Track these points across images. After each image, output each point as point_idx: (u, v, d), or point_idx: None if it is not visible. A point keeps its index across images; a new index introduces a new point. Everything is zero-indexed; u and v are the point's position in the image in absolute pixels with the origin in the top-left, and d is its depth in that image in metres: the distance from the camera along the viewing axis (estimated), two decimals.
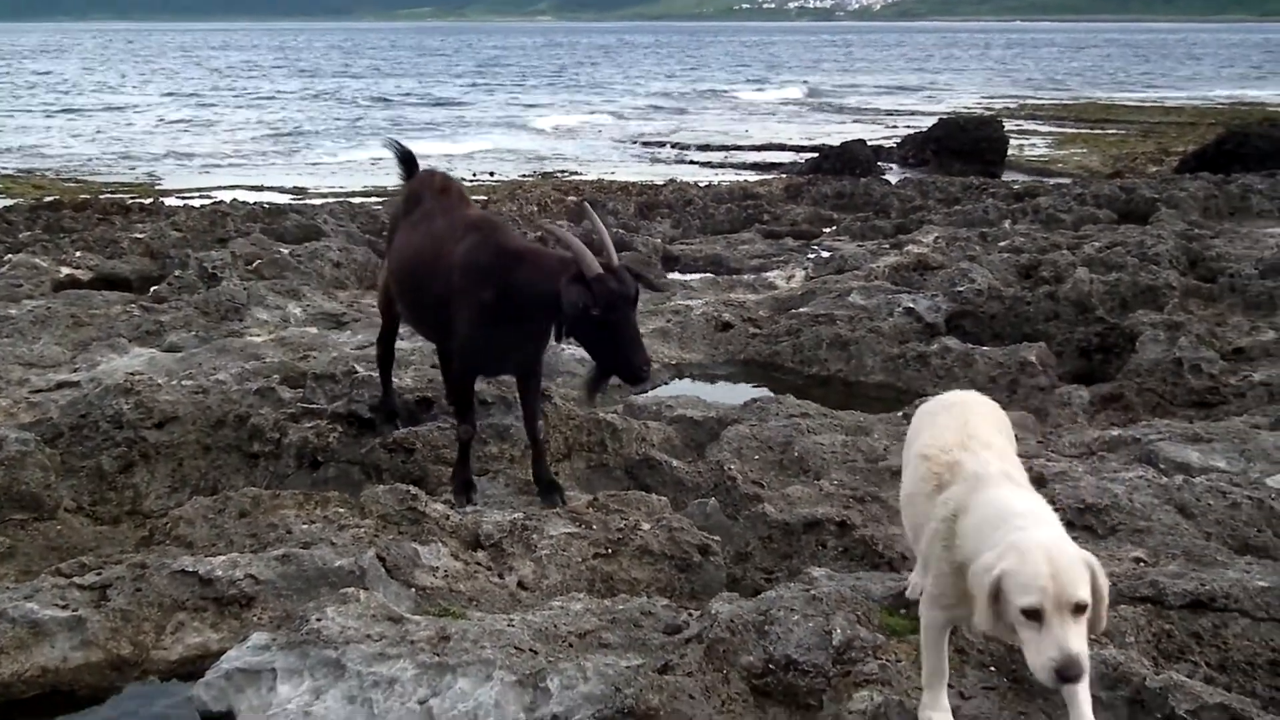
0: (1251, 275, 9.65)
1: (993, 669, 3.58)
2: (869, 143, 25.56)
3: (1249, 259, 10.37)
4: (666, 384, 8.39)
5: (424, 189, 6.20)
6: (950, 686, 3.45)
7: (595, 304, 4.88)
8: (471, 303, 5.36)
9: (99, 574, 4.37)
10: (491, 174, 24.32)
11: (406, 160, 6.70)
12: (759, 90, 55.53)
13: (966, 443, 3.25)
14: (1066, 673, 2.65)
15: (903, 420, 6.73)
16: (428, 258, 5.68)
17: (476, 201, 6.89)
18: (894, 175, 22.68)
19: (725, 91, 55.52)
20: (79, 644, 4.10)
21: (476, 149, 29.53)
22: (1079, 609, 2.67)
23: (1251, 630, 3.76)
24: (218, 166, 25.92)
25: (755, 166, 25.74)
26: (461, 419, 5.66)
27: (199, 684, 3.68)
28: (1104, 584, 2.75)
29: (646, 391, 7.46)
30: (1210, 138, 22.93)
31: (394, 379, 6.72)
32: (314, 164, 26.73)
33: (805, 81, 62.31)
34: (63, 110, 41.32)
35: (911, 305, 9.24)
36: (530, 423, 5.68)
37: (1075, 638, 2.66)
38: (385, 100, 48.95)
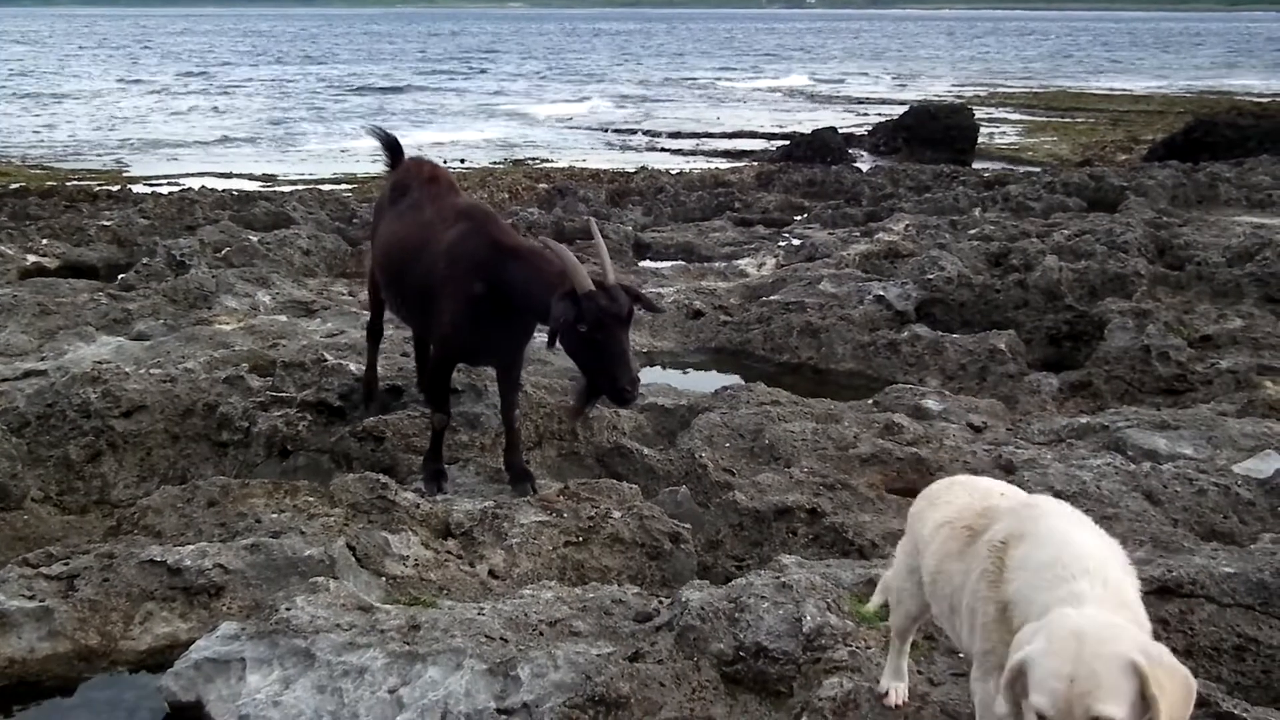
0: (1219, 263, 9.74)
1: (960, 655, 3.60)
2: (840, 130, 25.61)
3: (1216, 247, 10.46)
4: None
5: (411, 178, 6.13)
6: (919, 673, 3.47)
7: (583, 320, 4.83)
8: (456, 292, 5.31)
9: (66, 564, 4.34)
10: (462, 161, 24.19)
11: (392, 147, 6.62)
12: (750, 79, 55.31)
13: (988, 496, 2.78)
14: None
15: (873, 407, 6.77)
16: (414, 245, 5.63)
17: None
18: (865, 163, 22.73)
19: (701, 80, 55.41)
20: (46, 634, 4.06)
21: (447, 136, 29.36)
22: None
23: (1218, 616, 3.80)
24: (186, 153, 25.67)
25: (727, 154, 25.72)
26: (436, 407, 5.64)
27: (168, 674, 3.68)
28: (1160, 694, 2.04)
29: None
30: (1179, 126, 23.12)
31: None
32: (283, 151, 26.52)
33: (777, 68, 62.29)
34: (27, 96, 40.80)
35: (882, 293, 9.27)
36: (507, 412, 5.67)
37: None
38: (355, 88, 48.57)
